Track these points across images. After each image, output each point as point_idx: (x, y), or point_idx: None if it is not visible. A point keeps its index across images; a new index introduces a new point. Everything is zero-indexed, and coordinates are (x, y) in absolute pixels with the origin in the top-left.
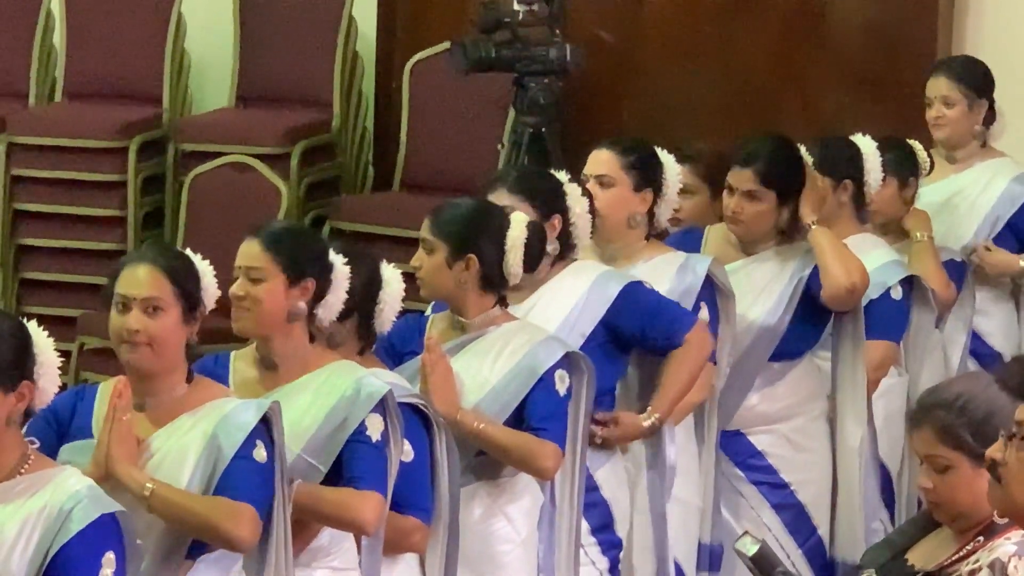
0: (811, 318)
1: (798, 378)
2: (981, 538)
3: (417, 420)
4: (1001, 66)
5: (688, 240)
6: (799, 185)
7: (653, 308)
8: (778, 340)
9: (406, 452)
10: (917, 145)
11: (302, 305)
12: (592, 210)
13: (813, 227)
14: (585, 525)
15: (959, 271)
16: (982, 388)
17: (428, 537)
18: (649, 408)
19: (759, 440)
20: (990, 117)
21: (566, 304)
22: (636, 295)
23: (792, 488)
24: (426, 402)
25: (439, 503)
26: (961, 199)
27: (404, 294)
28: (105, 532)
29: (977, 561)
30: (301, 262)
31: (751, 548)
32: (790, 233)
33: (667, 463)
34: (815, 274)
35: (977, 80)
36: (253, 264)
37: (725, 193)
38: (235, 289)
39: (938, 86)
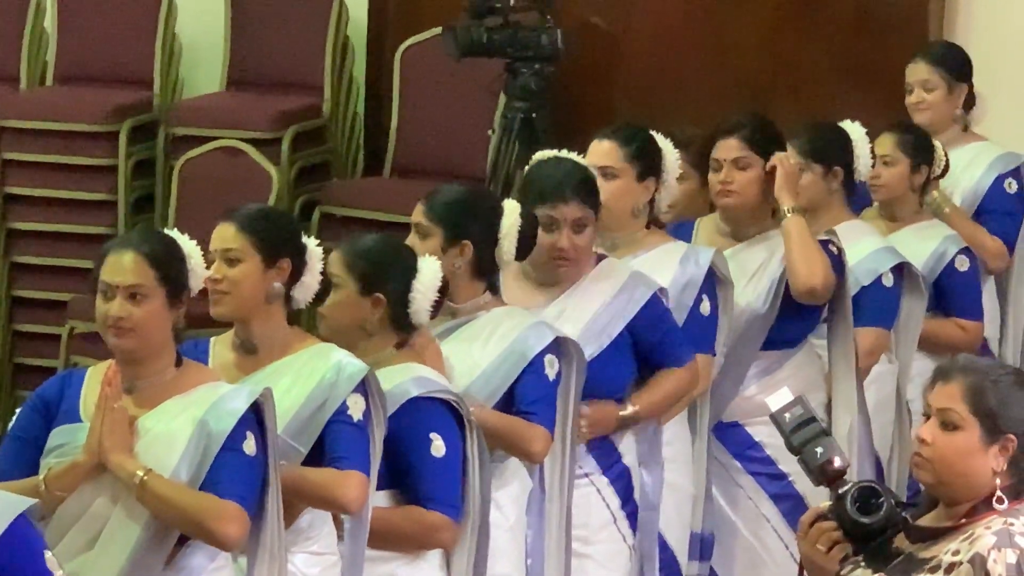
0: (803, 305)
1: (796, 367)
2: (964, 520)
3: (450, 416)
4: (993, 53)
5: (679, 232)
6: (782, 151)
7: (671, 325)
8: (769, 327)
9: (437, 447)
10: (939, 145)
11: (279, 286)
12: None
13: (788, 215)
14: (615, 500)
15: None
16: (1019, 376)
17: (456, 534)
18: (630, 401)
19: (757, 431)
20: (970, 101)
21: (595, 304)
22: (660, 307)
23: (791, 478)
24: (459, 399)
25: (469, 502)
26: (945, 182)
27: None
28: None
29: (958, 552)
30: (276, 243)
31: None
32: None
33: (660, 460)
34: None
35: (956, 65)
36: (228, 246)
37: (711, 174)
38: (212, 273)
39: (917, 71)
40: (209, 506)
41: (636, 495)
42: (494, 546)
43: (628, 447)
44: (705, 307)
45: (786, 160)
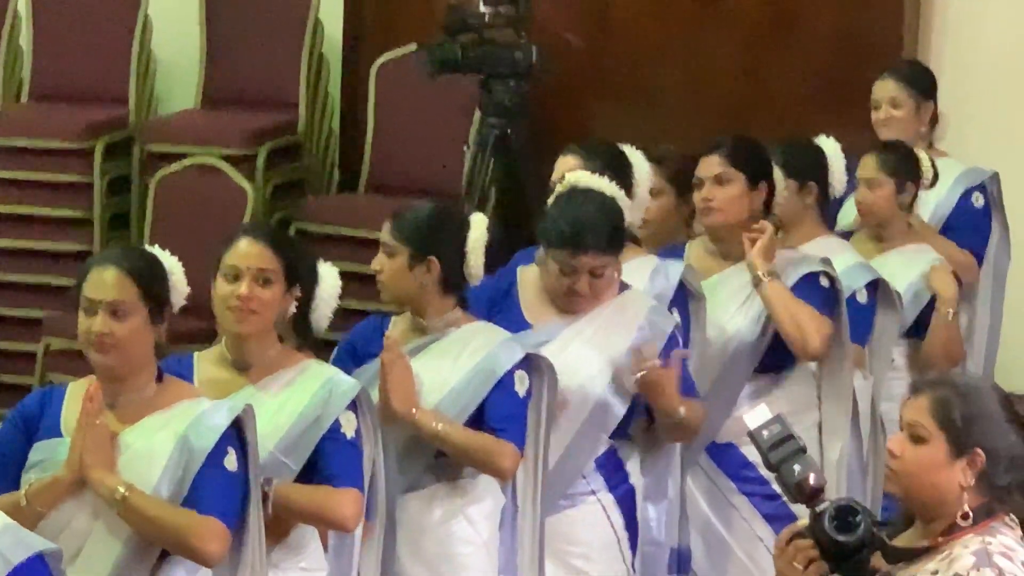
0: None
1: (790, 388)
2: (941, 539)
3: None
4: (965, 72)
5: (670, 256)
6: (767, 170)
7: (684, 368)
8: (760, 356)
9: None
10: (924, 155)
11: (288, 309)
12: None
13: (765, 281)
14: (619, 520)
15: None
16: (988, 391)
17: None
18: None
19: (750, 451)
20: (934, 119)
21: (622, 340)
22: (676, 345)
23: (785, 499)
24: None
25: (376, 502)
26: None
27: (340, 291)
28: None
29: (936, 572)
30: (297, 268)
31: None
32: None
33: (667, 494)
34: (799, 288)
35: (923, 83)
36: (266, 266)
37: (695, 191)
38: (244, 291)
39: (885, 88)
40: (190, 523)
41: (638, 516)
42: (467, 562)
43: (635, 467)
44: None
45: (766, 229)
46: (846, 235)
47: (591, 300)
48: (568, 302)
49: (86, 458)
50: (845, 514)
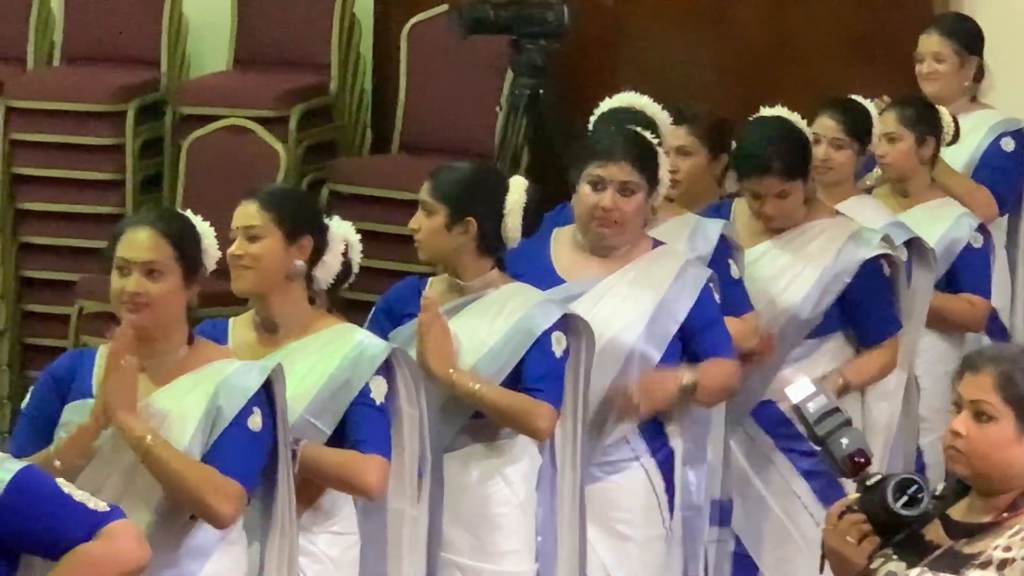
0: (844, 300)
1: (834, 350)
2: (1006, 514)
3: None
4: (998, 25)
5: (718, 215)
6: (808, 156)
7: (716, 317)
8: (810, 328)
9: None
10: (944, 110)
11: (300, 264)
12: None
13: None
14: (661, 483)
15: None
16: None
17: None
18: (686, 368)
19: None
20: (979, 74)
21: (656, 294)
22: (711, 299)
23: None
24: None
25: (425, 461)
26: (949, 152)
27: (361, 248)
28: None
29: (1009, 548)
30: (297, 220)
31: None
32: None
33: (707, 458)
34: (862, 280)
35: (968, 37)
36: (250, 223)
37: (751, 199)
38: (234, 249)
39: (930, 42)
40: (211, 481)
41: (676, 478)
42: (504, 522)
43: (674, 430)
44: (735, 271)
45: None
46: (867, 190)
47: (617, 229)
48: (594, 229)
49: (112, 400)
50: (911, 489)
